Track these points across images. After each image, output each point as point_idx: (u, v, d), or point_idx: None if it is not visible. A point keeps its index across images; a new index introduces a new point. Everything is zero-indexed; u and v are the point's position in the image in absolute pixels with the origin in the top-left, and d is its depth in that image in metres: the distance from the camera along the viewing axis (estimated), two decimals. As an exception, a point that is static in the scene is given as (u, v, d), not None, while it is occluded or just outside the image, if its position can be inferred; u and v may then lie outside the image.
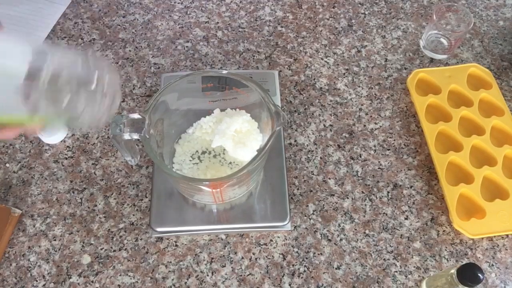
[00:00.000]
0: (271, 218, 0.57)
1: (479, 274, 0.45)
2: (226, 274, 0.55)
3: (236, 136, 0.54)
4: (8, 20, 0.74)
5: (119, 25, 0.75)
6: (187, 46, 0.73)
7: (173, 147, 0.59)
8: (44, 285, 0.54)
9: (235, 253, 0.56)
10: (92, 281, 0.54)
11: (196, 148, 0.59)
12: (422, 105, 0.66)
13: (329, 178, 0.62)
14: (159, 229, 0.56)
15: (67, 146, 0.64)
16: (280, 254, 0.56)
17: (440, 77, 0.69)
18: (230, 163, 0.58)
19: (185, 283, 0.54)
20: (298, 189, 0.61)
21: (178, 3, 0.78)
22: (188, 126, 0.60)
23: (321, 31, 0.75)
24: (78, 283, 0.54)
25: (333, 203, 0.60)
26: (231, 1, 0.79)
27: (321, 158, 0.63)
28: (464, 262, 0.48)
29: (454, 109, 0.65)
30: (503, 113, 0.65)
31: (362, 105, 0.68)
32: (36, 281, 0.54)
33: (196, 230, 0.57)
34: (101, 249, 0.56)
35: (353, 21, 0.77)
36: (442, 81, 0.68)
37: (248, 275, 0.55)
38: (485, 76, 0.69)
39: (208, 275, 0.55)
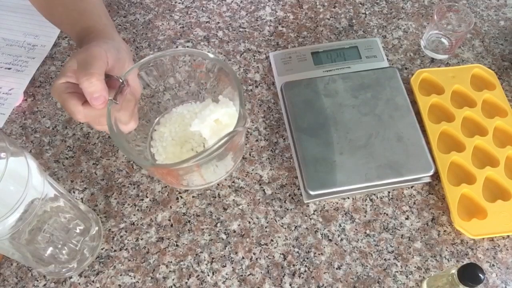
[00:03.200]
0: (417, 170, 0.59)
1: (480, 274, 0.45)
2: (226, 274, 0.55)
3: (215, 126, 0.53)
4: (13, 26, 0.74)
5: (120, 25, 0.75)
6: (188, 46, 0.73)
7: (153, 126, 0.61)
8: (44, 285, 0.54)
9: (236, 253, 0.56)
10: (93, 281, 0.54)
11: (177, 129, 0.59)
12: (425, 105, 0.66)
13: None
14: (313, 193, 0.57)
15: (68, 146, 0.64)
16: (280, 254, 0.56)
17: (444, 77, 0.68)
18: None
19: (186, 283, 0.54)
20: (298, 189, 0.61)
21: (179, 3, 0.78)
22: (174, 105, 0.62)
23: (321, 31, 0.75)
24: (79, 283, 0.54)
25: (333, 203, 0.60)
26: (232, 1, 0.79)
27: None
28: (465, 262, 0.48)
29: (457, 110, 0.65)
30: (506, 114, 0.65)
31: (363, 105, 0.68)
32: (37, 280, 0.54)
33: (348, 190, 0.58)
34: (102, 249, 0.56)
35: (353, 21, 0.77)
36: (445, 81, 0.68)
37: (248, 275, 0.55)
38: (488, 77, 0.69)
39: (208, 275, 0.55)
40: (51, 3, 0.57)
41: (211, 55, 0.53)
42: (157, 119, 0.60)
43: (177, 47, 0.73)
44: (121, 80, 0.48)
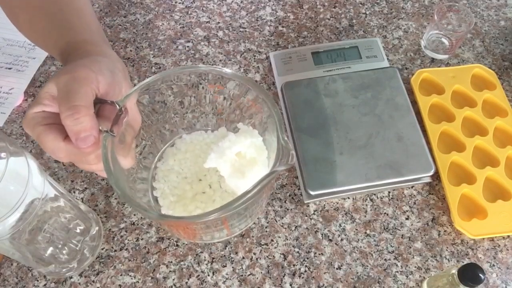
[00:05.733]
0: (417, 170, 0.59)
1: (480, 274, 0.45)
2: (227, 274, 0.55)
3: (237, 162, 0.43)
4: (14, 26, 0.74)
5: (120, 25, 0.76)
6: (188, 46, 0.73)
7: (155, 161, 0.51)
8: (45, 285, 0.54)
9: (236, 253, 0.56)
10: (93, 281, 0.54)
11: (186, 165, 0.49)
12: (425, 105, 0.66)
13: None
14: (313, 193, 0.57)
15: (68, 146, 0.64)
16: (281, 254, 0.56)
17: (444, 77, 0.68)
18: (225, 191, 0.48)
19: (186, 283, 0.54)
20: (298, 189, 0.61)
21: (179, 3, 0.78)
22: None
23: (322, 31, 0.75)
24: (79, 283, 0.54)
25: (334, 203, 0.60)
26: (232, 1, 0.79)
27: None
28: (465, 262, 0.48)
29: (458, 110, 0.65)
30: (506, 114, 0.65)
31: (363, 105, 0.68)
32: (37, 280, 0.54)
33: (348, 190, 0.58)
34: (102, 249, 0.56)
35: (354, 21, 0.77)
36: (445, 81, 0.68)
37: (249, 275, 0.55)
38: (489, 77, 0.69)
39: (209, 275, 0.55)
40: (33, 18, 0.47)
41: (229, 71, 0.42)
42: (159, 153, 0.50)
43: (177, 47, 0.73)
44: (118, 107, 0.39)
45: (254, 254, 0.56)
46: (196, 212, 0.48)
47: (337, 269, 0.56)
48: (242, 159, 0.44)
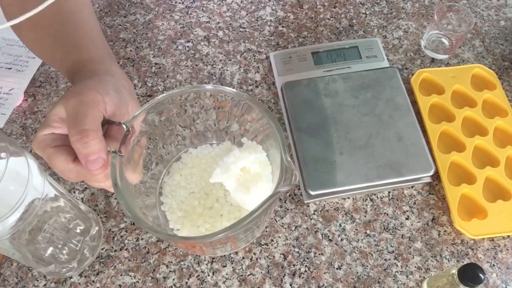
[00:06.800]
0: (417, 170, 0.59)
1: (480, 274, 0.45)
2: (227, 274, 0.55)
3: (242, 177, 0.44)
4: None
5: (120, 25, 0.76)
6: (188, 46, 0.73)
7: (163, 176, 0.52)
8: (45, 285, 0.54)
9: (236, 253, 0.56)
10: (93, 281, 0.54)
11: (192, 179, 0.50)
12: (425, 105, 0.66)
13: (330, 178, 0.62)
14: (313, 193, 0.57)
15: (68, 146, 0.64)
16: (281, 254, 0.56)
17: (444, 77, 0.68)
18: (231, 205, 0.50)
19: (186, 283, 0.54)
20: (298, 189, 0.61)
21: (179, 3, 0.78)
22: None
23: (322, 31, 0.75)
24: (79, 283, 0.54)
25: (334, 203, 0.60)
26: (232, 1, 0.79)
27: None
28: (465, 262, 0.48)
29: (458, 110, 0.65)
30: (506, 114, 0.65)
31: (363, 105, 0.68)
32: (37, 280, 0.54)
33: (348, 190, 0.58)
34: (102, 249, 0.56)
35: (354, 21, 0.77)
36: (445, 81, 0.68)
37: (249, 275, 0.55)
38: (489, 77, 0.69)
39: (209, 275, 0.55)
40: (40, 37, 0.48)
41: (234, 91, 0.44)
42: (166, 167, 0.51)
43: (177, 47, 0.73)
44: (125, 127, 0.40)
45: (254, 254, 0.56)
46: (204, 226, 0.49)
47: (337, 269, 0.56)
48: (246, 174, 0.45)
